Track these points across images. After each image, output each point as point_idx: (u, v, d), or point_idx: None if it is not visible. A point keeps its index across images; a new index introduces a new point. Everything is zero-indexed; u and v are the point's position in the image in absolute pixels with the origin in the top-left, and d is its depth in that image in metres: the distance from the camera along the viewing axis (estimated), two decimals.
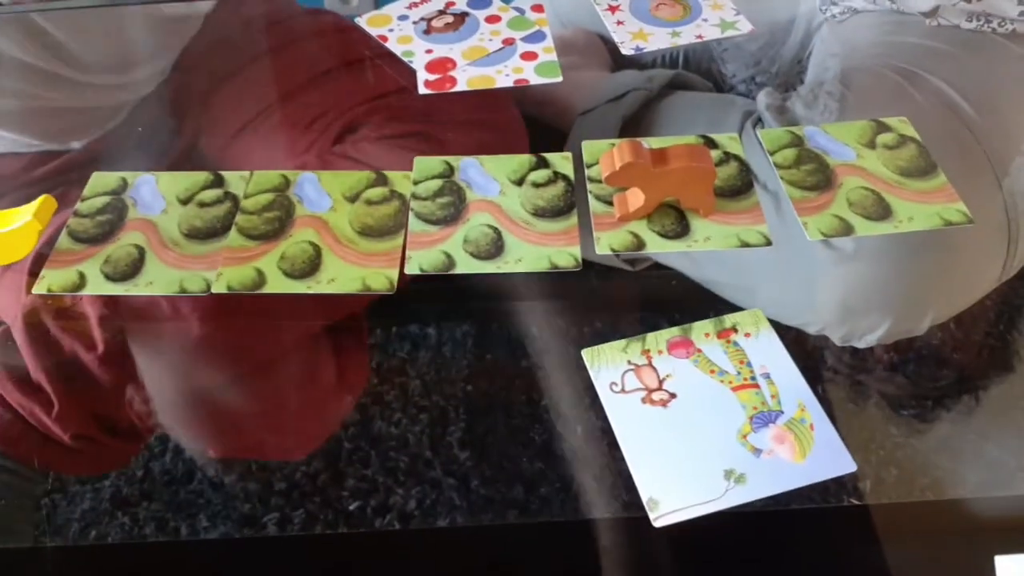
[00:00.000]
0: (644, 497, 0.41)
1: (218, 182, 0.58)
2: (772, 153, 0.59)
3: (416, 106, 0.68)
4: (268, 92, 0.77)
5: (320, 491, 0.58)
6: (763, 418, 0.44)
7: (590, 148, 0.60)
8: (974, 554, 0.46)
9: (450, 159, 0.58)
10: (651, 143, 0.58)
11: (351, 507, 0.57)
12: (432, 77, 0.65)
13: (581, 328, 0.50)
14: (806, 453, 0.43)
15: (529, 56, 0.68)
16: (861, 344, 0.59)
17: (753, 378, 0.46)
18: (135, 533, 0.59)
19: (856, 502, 0.46)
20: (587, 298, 0.58)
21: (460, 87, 0.64)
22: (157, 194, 0.57)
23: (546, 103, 0.78)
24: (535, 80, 0.66)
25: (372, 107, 0.72)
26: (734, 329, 0.49)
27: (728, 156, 0.59)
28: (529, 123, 0.73)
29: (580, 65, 0.87)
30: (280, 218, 0.55)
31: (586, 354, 0.48)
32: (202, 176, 0.58)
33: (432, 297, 0.59)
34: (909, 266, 0.59)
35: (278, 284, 0.51)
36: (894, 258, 0.58)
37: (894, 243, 0.58)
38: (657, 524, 0.40)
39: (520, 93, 0.86)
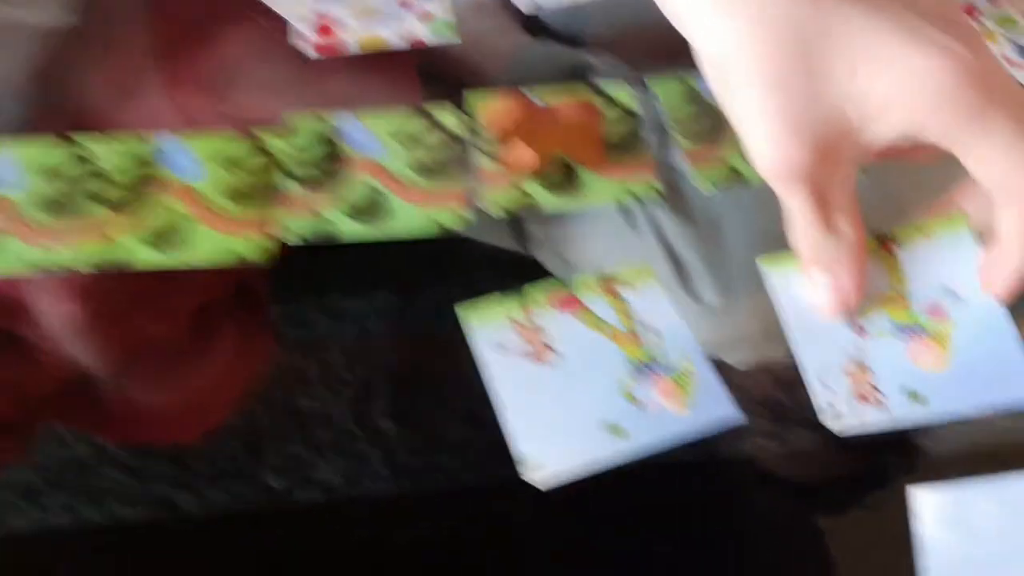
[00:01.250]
0: (521, 456, 0.39)
1: (82, 151, 0.54)
2: (664, 103, 0.58)
3: (287, 49, 0.65)
4: (154, 53, 0.74)
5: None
6: (646, 371, 0.43)
7: (478, 103, 0.57)
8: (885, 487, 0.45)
9: (327, 115, 0.56)
10: (542, 96, 0.56)
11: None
12: (322, 40, 0.62)
13: (467, 287, 0.48)
14: (690, 405, 0.41)
15: (425, 16, 0.65)
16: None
17: (637, 331, 0.45)
18: (44, 523, 0.56)
19: (746, 453, 0.45)
20: (473, 257, 0.56)
21: (352, 49, 0.62)
22: (11, 167, 0.53)
23: (459, 71, 0.76)
24: (430, 40, 0.63)
25: (245, 53, 0.70)
26: (619, 282, 0.47)
27: (620, 109, 0.57)
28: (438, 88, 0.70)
29: (497, 29, 0.85)
30: (144, 185, 0.52)
31: (463, 309, 0.46)
32: (62, 145, 0.55)
33: (313, 265, 0.57)
34: (767, 316, 0.59)
35: (139, 256, 0.48)
36: (760, 313, 0.58)
37: (757, 296, 0.57)
38: (532, 481, 0.39)
39: (431, 60, 0.84)
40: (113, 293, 0.57)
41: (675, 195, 0.59)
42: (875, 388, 0.40)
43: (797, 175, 0.37)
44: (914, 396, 0.40)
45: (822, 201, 0.38)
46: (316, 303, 0.65)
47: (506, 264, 0.62)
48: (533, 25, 0.87)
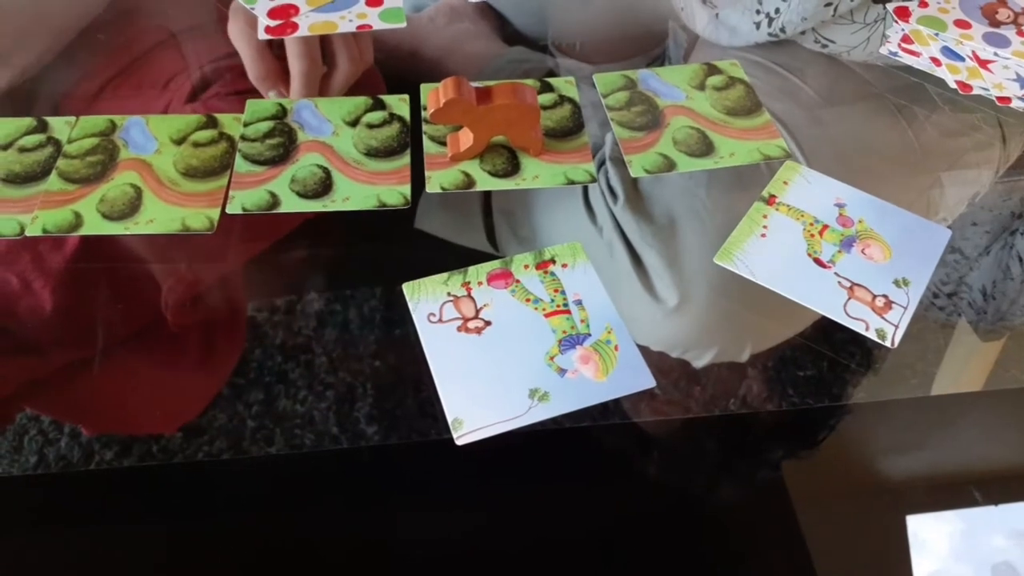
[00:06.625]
0: (449, 418, 0.43)
1: (42, 127, 0.56)
2: (605, 96, 0.61)
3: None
4: (125, 53, 0.75)
5: None
6: (571, 341, 0.46)
7: (427, 90, 0.60)
8: None
9: (284, 101, 0.58)
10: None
11: None
12: (273, 23, 0.64)
13: (415, 265, 0.51)
14: (609, 371, 0.45)
15: (374, 2, 0.67)
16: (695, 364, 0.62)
17: (566, 305, 0.48)
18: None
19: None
20: (422, 237, 0.59)
21: (302, 32, 0.64)
22: None
23: (435, 74, 0.78)
24: (378, 26, 0.65)
25: (224, 64, 0.71)
26: (552, 261, 0.50)
27: (562, 99, 0.60)
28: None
29: (472, 34, 0.88)
30: (103, 162, 0.54)
31: (407, 288, 0.49)
32: (25, 121, 0.56)
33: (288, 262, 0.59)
34: (724, 317, 0.61)
35: (95, 226, 0.50)
36: (715, 313, 0.61)
37: (711, 297, 0.60)
38: (459, 442, 0.42)
39: (408, 63, 0.86)
40: (85, 287, 0.58)
41: (635, 196, 0.62)
42: None
43: None
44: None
45: None
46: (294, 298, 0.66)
47: (421, 236, 0.63)
48: (507, 32, 0.90)
